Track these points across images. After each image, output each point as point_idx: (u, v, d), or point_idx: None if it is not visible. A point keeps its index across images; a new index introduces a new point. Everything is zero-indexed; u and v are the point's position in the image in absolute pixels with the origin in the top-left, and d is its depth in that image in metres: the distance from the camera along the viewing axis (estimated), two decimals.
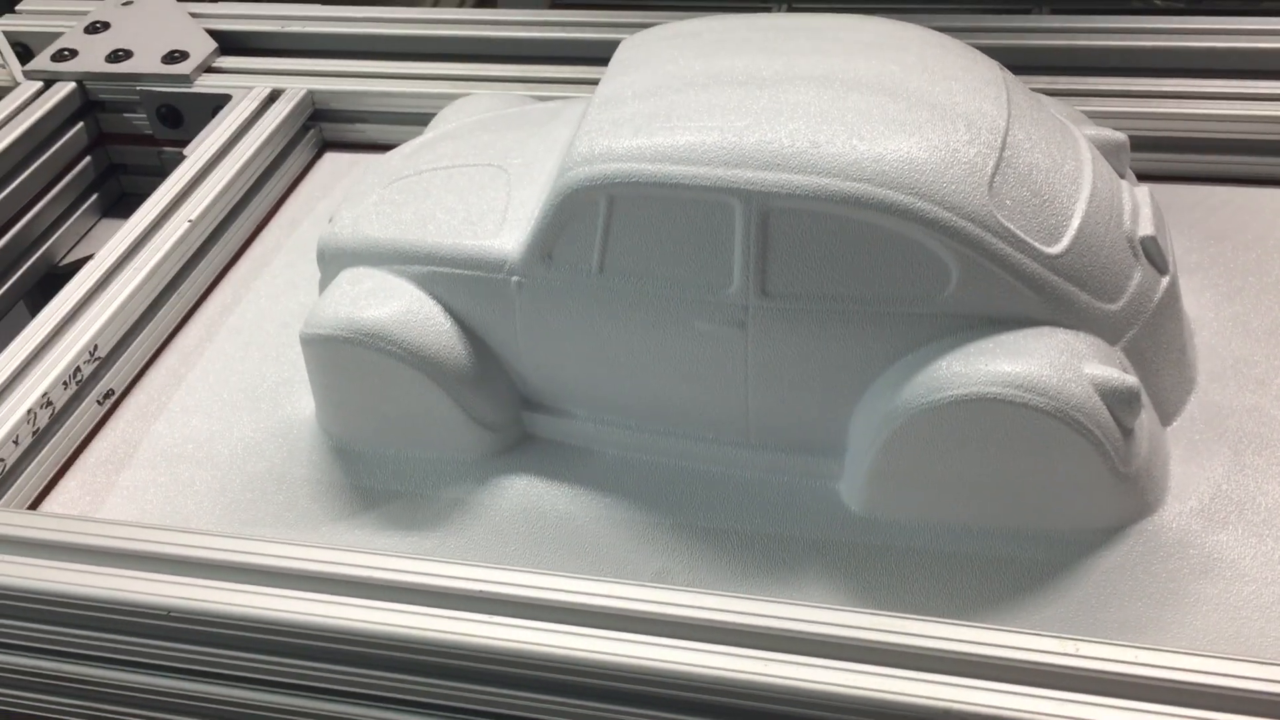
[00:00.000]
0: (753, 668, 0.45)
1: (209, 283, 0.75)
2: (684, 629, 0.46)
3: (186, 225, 0.73)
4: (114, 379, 0.67)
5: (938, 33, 0.61)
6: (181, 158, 0.79)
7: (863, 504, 0.55)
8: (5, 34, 0.94)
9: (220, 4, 0.96)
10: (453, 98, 0.77)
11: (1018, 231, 0.51)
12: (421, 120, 0.76)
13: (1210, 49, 0.78)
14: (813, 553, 0.55)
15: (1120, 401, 0.51)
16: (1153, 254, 0.57)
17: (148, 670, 0.52)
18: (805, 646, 0.45)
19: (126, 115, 0.88)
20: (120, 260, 0.70)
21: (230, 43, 0.90)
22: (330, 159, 0.87)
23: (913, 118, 0.53)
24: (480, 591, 0.48)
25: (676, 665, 0.45)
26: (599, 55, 0.63)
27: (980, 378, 0.51)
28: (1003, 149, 0.53)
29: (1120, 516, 0.54)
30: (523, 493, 0.59)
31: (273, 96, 0.85)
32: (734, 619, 0.46)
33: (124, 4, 0.94)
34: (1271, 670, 0.43)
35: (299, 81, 0.86)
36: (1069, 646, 0.44)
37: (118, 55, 0.88)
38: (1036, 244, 0.52)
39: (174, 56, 0.87)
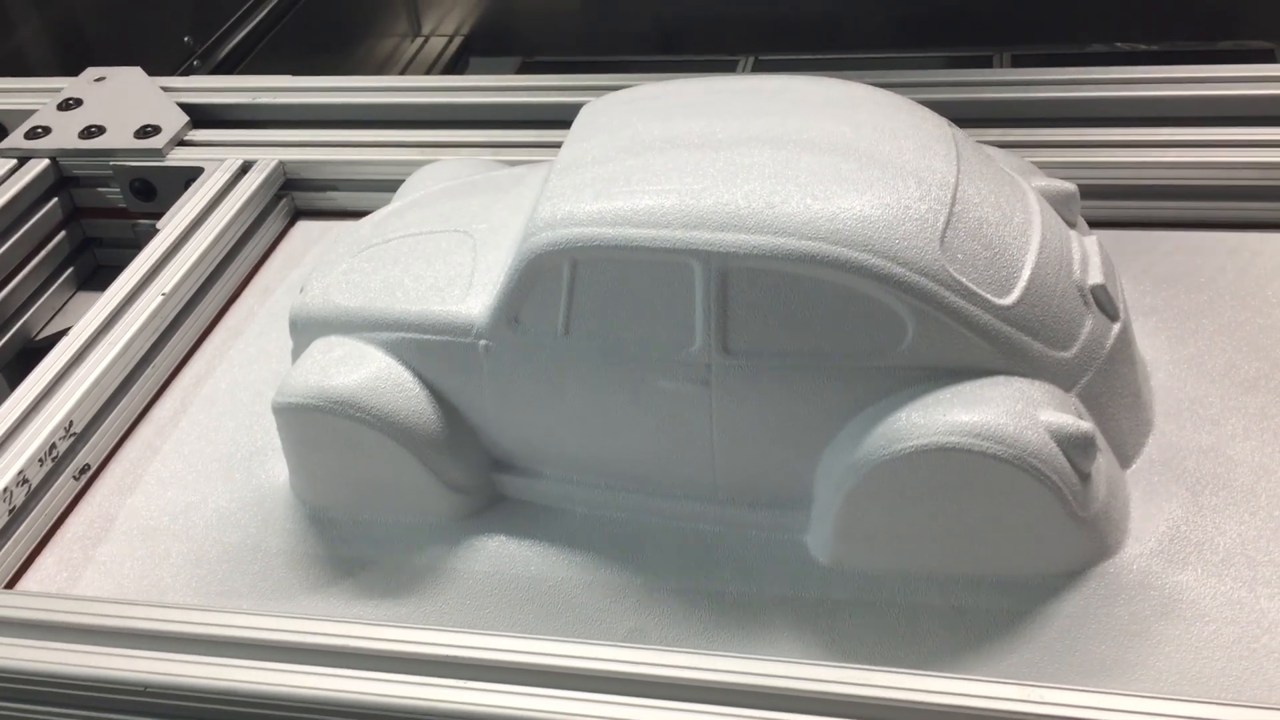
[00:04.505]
0: None
1: (183, 354, 0.76)
2: (659, 688, 0.47)
3: (161, 298, 0.74)
4: (90, 454, 0.67)
5: (887, 91, 0.63)
6: (155, 230, 0.80)
7: (829, 556, 0.56)
8: None
9: (191, 78, 0.98)
10: (422, 164, 0.78)
11: (970, 284, 0.53)
12: (391, 186, 0.77)
13: (1158, 98, 0.80)
14: (783, 606, 0.55)
15: (1076, 447, 0.52)
16: (1103, 301, 0.58)
17: None
18: (780, 702, 0.46)
19: (100, 190, 0.89)
20: (95, 334, 0.71)
21: (202, 116, 0.92)
22: (302, 227, 0.88)
23: (865, 176, 0.54)
24: (456, 657, 0.49)
25: None
26: (566, 119, 0.65)
27: (938, 427, 0.52)
28: (953, 204, 0.54)
29: (1081, 560, 0.55)
30: (495, 555, 0.59)
31: (244, 168, 0.86)
32: (709, 676, 0.47)
33: (96, 80, 0.96)
34: (1234, 711, 0.44)
35: (270, 152, 0.87)
36: (1034, 694, 0.45)
37: (90, 131, 0.89)
38: (989, 296, 0.53)
39: (146, 131, 0.89)
